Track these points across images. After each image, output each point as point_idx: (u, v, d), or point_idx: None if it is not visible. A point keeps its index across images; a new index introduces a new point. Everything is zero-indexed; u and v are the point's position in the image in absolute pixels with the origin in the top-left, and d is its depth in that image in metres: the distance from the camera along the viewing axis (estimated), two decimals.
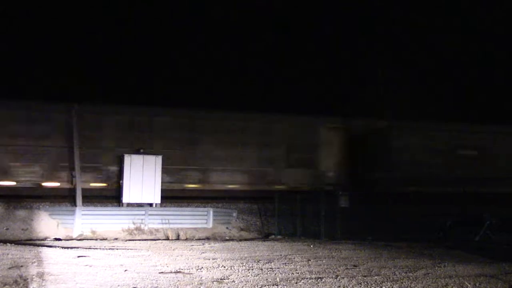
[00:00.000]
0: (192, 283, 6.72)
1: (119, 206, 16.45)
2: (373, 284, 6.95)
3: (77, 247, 10.91)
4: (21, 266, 7.67)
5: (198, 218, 16.01)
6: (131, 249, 10.71)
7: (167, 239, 14.40)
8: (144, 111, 18.26)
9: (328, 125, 20.27)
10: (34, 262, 8.18)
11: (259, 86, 26.18)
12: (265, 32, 29.08)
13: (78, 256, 9.07)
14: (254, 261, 8.84)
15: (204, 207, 16.68)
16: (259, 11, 29.52)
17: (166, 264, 8.35)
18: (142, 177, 16.39)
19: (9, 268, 7.44)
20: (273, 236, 15.35)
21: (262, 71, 27.09)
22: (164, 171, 17.08)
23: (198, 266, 8.15)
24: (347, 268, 8.28)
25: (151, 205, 16.40)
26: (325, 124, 20.26)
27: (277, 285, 6.77)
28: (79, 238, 14.23)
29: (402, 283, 7.11)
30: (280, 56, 27.96)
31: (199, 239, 14.56)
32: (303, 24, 29.92)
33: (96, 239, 13.81)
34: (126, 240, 13.62)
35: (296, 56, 28.59)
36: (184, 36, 28.23)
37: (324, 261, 9.07)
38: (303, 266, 8.42)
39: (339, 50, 28.99)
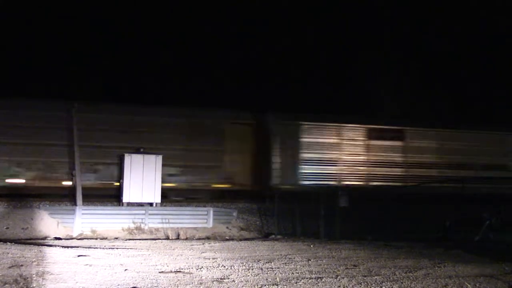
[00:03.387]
0: (192, 283, 6.72)
1: (119, 205, 16.46)
2: (373, 284, 6.95)
3: (77, 247, 10.91)
4: (21, 265, 7.67)
5: (198, 218, 16.03)
6: (131, 248, 10.71)
7: (167, 238, 14.42)
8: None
9: None
10: (34, 261, 8.18)
11: None
12: None
13: (78, 256, 9.07)
14: (254, 261, 8.85)
15: (204, 206, 16.69)
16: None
17: (166, 264, 8.35)
18: (142, 177, 16.39)
19: (9, 267, 7.44)
20: (273, 236, 15.37)
21: None
22: None
23: (198, 266, 8.15)
24: (347, 268, 8.28)
25: (151, 204, 16.41)
26: None
27: (277, 284, 6.77)
28: (79, 237, 14.24)
29: (402, 283, 7.11)
30: None
31: (199, 238, 14.58)
32: None
33: (96, 239, 13.82)
34: (126, 240, 13.63)
35: None
36: (188, 34, 28.31)
37: (324, 261, 9.07)
38: (303, 266, 8.42)
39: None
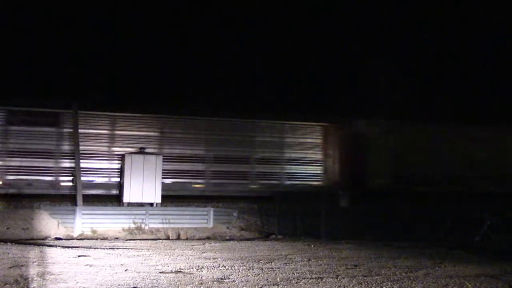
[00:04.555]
0: (193, 283, 6.73)
1: (120, 205, 16.47)
2: (374, 284, 6.96)
3: (78, 247, 10.92)
4: (22, 265, 7.68)
5: (199, 218, 16.03)
6: (131, 248, 10.72)
7: (168, 238, 14.41)
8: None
9: None
10: (35, 261, 8.19)
11: None
12: None
13: (79, 256, 9.08)
14: (255, 261, 8.85)
15: (205, 206, 16.70)
16: None
17: (167, 264, 8.36)
18: (143, 177, 16.40)
19: (10, 268, 7.45)
20: (273, 236, 15.36)
21: None
22: None
23: (199, 266, 8.16)
24: (347, 268, 8.28)
25: (151, 204, 16.42)
26: None
27: (278, 284, 6.78)
28: (79, 237, 14.24)
29: (402, 283, 7.12)
30: None
31: (200, 238, 14.57)
32: None
33: (97, 239, 13.81)
34: (126, 240, 13.63)
35: None
36: (188, 33, 28.26)
37: (324, 261, 9.08)
38: (304, 266, 8.43)
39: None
